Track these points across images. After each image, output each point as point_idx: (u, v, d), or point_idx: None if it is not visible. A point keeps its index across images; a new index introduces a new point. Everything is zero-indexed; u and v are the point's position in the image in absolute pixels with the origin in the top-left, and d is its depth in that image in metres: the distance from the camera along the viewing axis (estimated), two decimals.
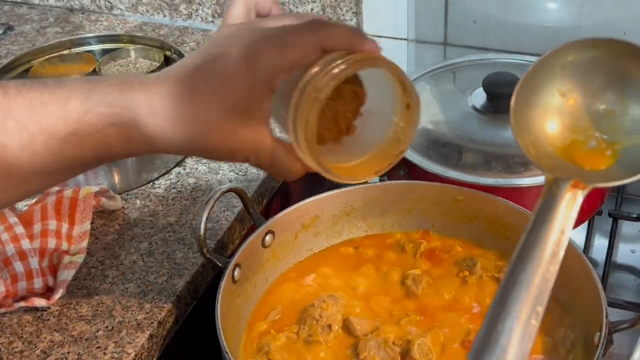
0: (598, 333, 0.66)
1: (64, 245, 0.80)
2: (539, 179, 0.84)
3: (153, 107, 0.52)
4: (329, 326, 0.74)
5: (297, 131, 0.54)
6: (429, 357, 0.70)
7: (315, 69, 0.54)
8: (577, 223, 0.91)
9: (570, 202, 0.49)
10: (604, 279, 0.88)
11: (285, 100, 0.56)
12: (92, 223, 0.84)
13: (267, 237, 0.81)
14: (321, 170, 0.56)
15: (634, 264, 0.95)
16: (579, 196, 0.49)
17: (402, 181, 0.87)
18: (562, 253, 0.47)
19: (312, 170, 0.57)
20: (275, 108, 0.56)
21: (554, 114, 0.54)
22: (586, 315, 0.71)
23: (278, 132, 0.59)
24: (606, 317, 0.67)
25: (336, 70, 0.53)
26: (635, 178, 0.50)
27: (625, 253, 0.97)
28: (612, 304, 0.79)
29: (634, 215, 0.95)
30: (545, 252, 0.47)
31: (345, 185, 0.86)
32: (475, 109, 0.92)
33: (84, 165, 0.56)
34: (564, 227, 0.48)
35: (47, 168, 0.53)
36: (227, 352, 0.66)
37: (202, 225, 0.74)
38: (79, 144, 0.52)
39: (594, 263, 0.92)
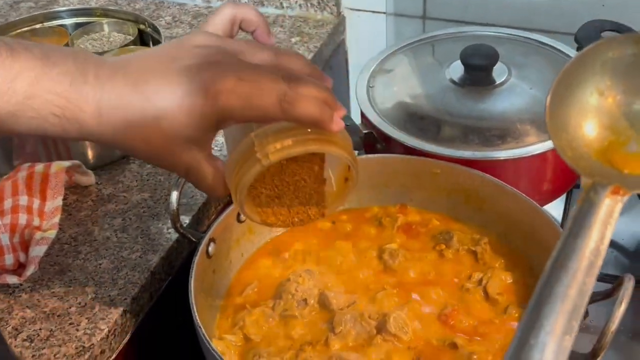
0: None
1: (36, 221, 0.79)
2: (516, 152, 0.83)
3: (100, 109, 0.51)
4: (305, 300, 0.74)
5: (231, 180, 0.55)
6: (405, 331, 0.70)
7: (271, 130, 0.53)
8: (555, 196, 0.91)
9: (610, 209, 0.46)
10: None
11: (232, 138, 0.56)
12: (64, 199, 0.83)
13: None
14: (241, 212, 0.58)
15: (611, 236, 0.95)
16: (619, 203, 0.46)
17: (379, 155, 0.86)
18: (600, 263, 0.45)
19: None
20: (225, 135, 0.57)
21: (591, 114, 0.51)
22: None
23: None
24: None
25: (289, 143, 0.52)
26: None
27: None
28: None
29: None
30: (582, 263, 0.44)
31: None
32: (452, 81, 0.91)
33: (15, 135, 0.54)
34: (603, 236, 0.45)
35: None
36: (200, 327, 0.65)
37: (175, 200, 0.73)
38: (16, 124, 0.51)
39: None
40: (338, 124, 0.53)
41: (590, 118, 0.51)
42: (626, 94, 0.52)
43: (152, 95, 0.51)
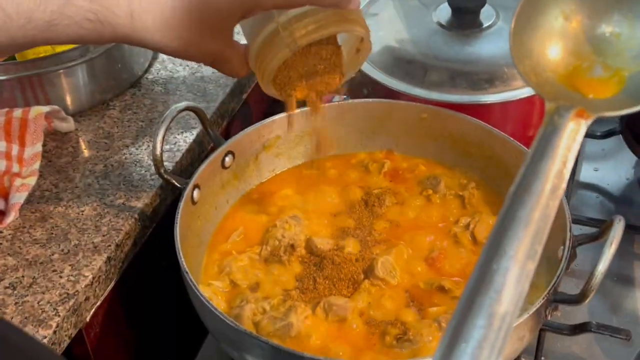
0: (562, 247, 0.66)
1: (15, 168, 0.77)
2: (503, 96, 0.82)
3: (133, 10, 0.54)
4: (292, 246, 0.73)
5: (257, 64, 0.60)
6: (393, 275, 0.70)
7: (294, 15, 0.58)
8: None
9: (573, 133, 0.45)
10: (568, 196, 0.88)
11: (250, 29, 0.61)
12: (44, 145, 0.81)
13: (227, 158, 0.79)
14: (267, 91, 0.64)
15: (597, 182, 0.95)
16: (583, 126, 0.45)
17: (365, 100, 0.85)
18: (563, 187, 0.44)
19: None
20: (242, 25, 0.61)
21: (556, 38, 0.50)
22: (549, 232, 0.71)
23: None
24: (570, 231, 0.67)
25: (313, 27, 0.58)
26: None
27: (588, 171, 0.96)
28: (575, 220, 0.79)
29: (598, 134, 0.95)
30: (545, 186, 0.43)
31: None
32: (440, 25, 0.89)
33: (53, 44, 0.58)
34: (566, 159, 0.44)
35: (15, 47, 0.54)
36: (186, 272, 0.65)
37: (159, 144, 0.72)
38: (54, 33, 0.53)
39: None
40: (355, 3, 0.57)
41: (555, 43, 0.51)
42: (591, 17, 0.51)
43: None
